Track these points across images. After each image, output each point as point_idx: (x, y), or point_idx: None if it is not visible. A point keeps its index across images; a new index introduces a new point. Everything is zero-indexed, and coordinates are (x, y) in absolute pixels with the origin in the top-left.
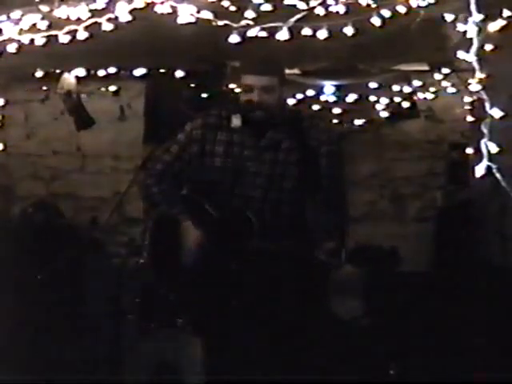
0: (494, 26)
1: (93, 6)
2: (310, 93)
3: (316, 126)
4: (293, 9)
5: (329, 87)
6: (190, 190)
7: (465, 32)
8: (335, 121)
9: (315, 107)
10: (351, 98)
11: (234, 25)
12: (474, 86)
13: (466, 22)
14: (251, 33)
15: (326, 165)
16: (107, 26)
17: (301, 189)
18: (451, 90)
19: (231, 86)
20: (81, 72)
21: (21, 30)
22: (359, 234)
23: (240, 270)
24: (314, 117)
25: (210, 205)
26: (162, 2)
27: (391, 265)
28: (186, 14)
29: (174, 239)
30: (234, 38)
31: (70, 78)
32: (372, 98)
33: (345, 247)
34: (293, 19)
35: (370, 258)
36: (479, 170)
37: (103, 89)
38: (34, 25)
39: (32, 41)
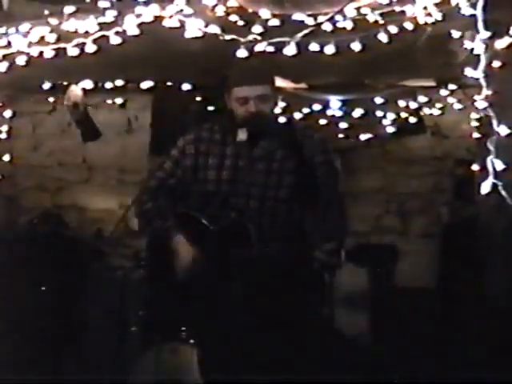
0: (501, 44)
1: (101, 20)
2: (317, 107)
3: (310, 135)
4: (300, 24)
5: (335, 102)
6: (185, 205)
7: (472, 49)
8: (341, 135)
9: (322, 121)
10: (358, 112)
11: (242, 39)
12: (481, 102)
13: (473, 39)
14: (259, 47)
15: (322, 174)
16: (115, 40)
17: (297, 198)
18: (458, 106)
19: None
20: (88, 84)
21: (30, 42)
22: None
23: (238, 280)
24: (307, 127)
25: (205, 218)
26: (171, 16)
27: (390, 262)
28: (194, 29)
29: (169, 255)
30: (242, 53)
31: (77, 90)
32: (378, 114)
33: (343, 247)
34: (300, 34)
35: (370, 256)
36: (485, 187)
37: (110, 101)
38: (43, 37)
39: (40, 53)
